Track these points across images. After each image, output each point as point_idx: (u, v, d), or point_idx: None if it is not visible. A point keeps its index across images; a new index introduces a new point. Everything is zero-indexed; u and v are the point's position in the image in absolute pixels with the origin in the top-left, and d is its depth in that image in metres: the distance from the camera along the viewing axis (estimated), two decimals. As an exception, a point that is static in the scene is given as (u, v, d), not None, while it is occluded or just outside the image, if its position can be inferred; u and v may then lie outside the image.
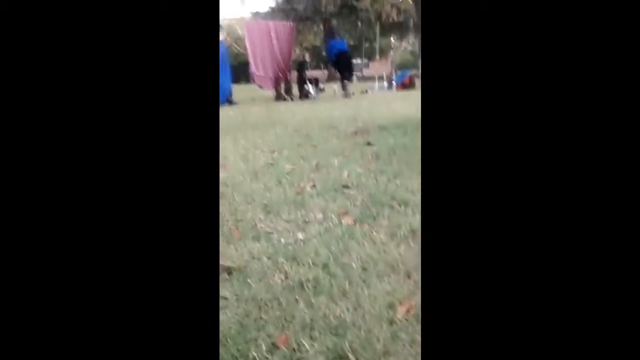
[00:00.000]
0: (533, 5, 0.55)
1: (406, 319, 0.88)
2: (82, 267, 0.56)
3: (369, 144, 2.89)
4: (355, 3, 13.69)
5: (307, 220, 1.52)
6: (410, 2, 9.71)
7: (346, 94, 8.39)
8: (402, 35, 18.95)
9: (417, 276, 1.05)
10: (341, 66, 8.56)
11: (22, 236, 0.54)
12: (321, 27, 19.56)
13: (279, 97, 8.36)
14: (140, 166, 0.58)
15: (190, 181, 0.59)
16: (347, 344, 0.81)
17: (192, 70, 0.59)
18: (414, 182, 1.87)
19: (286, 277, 1.10)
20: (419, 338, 0.80)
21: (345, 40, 10.14)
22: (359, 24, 18.38)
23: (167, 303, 0.57)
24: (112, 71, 0.57)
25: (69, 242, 0.56)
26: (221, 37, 8.03)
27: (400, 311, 0.91)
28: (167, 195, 0.58)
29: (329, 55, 8.82)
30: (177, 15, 0.58)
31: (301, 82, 8.71)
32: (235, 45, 11.70)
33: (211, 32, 0.59)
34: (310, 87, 8.66)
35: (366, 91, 9.30)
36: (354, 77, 9.52)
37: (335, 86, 9.64)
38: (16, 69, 0.55)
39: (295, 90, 8.72)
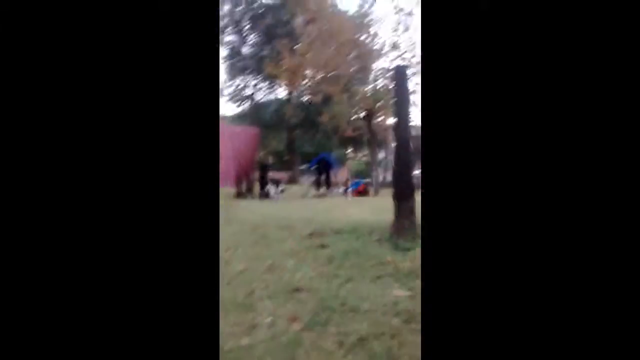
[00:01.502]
0: (531, 11, 0.58)
1: None
2: (81, 272, 0.55)
3: (323, 246, 2.93)
4: (315, 119, 15.19)
5: (254, 324, 1.45)
6: (363, 122, 11.18)
7: (328, 191, 10.60)
8: (356, 148, 20.84)
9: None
10: (323, 168, 11.72)
11: (23, 244, 0.54)
12: (285, 134, 21.06)
13: (239, 194, 8.48)
14: (140, 166, 0.59)
15: (191, 180, 0.60)
16: None
17: (192, 71, 0.61)
18: (365, 288, 1.89)
19: (225, 389, 1.02)
20: None
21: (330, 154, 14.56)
22: (318, 136, 20.02)
23: (166, 305, 0.57)
24: (113, 75, 0.59)
25: (68, 243, 0.56)
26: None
27: None
28: (167, 196, 0.59)
29: (312, 161, 12.30)
30: (177, 19, 0.60)
31: (263, 182, 8.99)
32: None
33: (211, 32, 0.62)
34: (271, 188, 8.92)
35: (323, 195, 9.72)
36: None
37: (296, 188, 10.02)
38: (17, 69, 0.55)
39: (256, 189, 8.93)
